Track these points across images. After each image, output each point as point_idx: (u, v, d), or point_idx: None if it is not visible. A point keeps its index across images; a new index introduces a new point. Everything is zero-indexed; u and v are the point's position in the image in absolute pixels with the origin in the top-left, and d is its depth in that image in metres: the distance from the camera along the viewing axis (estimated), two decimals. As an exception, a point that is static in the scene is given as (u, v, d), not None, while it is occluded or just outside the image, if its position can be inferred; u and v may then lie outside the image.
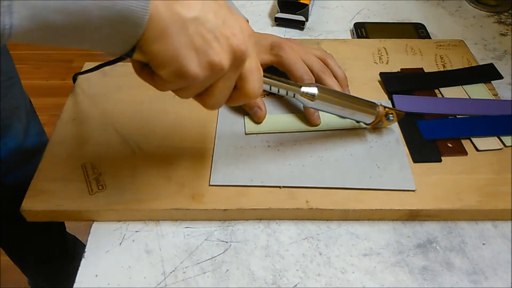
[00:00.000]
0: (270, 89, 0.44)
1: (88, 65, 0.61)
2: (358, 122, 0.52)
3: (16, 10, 0.24)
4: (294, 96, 0.46)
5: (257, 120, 0.52)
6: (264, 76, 0.41)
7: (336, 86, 0.53)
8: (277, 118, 0.53)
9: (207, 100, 0.36)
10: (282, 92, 0.45)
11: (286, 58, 0.52)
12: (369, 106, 0.49)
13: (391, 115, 0.50)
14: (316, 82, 0.53)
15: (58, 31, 0.27)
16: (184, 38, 0.31)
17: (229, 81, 0.36)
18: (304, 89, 0.46)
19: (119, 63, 0.59)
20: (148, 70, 0.34)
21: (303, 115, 0.53)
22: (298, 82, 0.47)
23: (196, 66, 0.32)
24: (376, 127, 0.52)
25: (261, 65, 0.53)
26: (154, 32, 0.29)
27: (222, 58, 0.33)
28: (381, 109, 0.50)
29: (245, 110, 0.53)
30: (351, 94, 0.53)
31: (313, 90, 0.46)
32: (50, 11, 0.26)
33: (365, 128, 0.52)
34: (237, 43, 0.33)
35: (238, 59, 0.34)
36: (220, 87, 0.35)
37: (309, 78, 0.52)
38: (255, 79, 0.37)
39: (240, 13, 0.59)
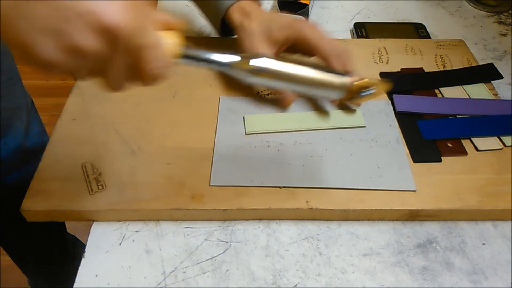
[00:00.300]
0: (196, 62, 0.36)
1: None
2: (322, 97, 0.45)
3: None
4: (231, 70, 0.38)
5: (281, 107, 0.51)
6: (186, 48, 0.35)
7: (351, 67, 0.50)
8: (277, 118, 0.53)
9: (104, 83, 0.32)
10: (215, 67, 0.37)
11: (311, 33, 0.50)
12: (333, 77, 0.42)
13: (366, 90, 0.42)
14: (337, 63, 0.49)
15: None
16: (29, 21, 0.26)
17: (119, 63, 0.30)
18: (252, 61, 0.37)
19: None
20: None
21: (304, 114, 0.53)
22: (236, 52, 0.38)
23: (52, 52, 0.27)
24: (352, 103, 0.46)
25: (285, 41, 0.51)
26: None
27: (88, 39, 0.27)
28: (347, 80, 0.41)
29: (246, 110, 0.53)
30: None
31: (247, 61, 0.38)
32: None
33: (365, 126, 0.52)
34: (109, 18, 0.27)
35: (115, 38, 0.28)
36: (111, 69, 0.30)
37: (336, 52, 0.49)
38: (152, 58, 0.31)
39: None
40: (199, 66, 0.36)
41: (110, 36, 0.28)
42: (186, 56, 0.35)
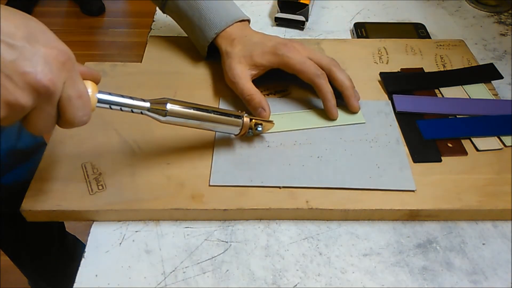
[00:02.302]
0: (111, 108, 0.40)
1: (87, 66, 0.61)
2: (226, 134, 0.50)
3: None
4: (141, 113, 0.42)
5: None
6: (101, 93, 0.39)
7: (346, 80, 0.53)
8: (278, 118, 0.53)
9: (29, 129, 0.35)
10: (126, 109, 0.41)
11: (293, 59, 0.52)
12: (232, 117, 0.47)
13: (259, 126, 0.49)
14: (327, 76, 0.52)
15: None
16: None
17: (44, 113, 0.34)
18: (153, 105, 0.42)
19: (119, 63, 0.60)
20: None
21: (304, 114, 0.54)
22: (145, 98, 0.42)
23: None
24: (246, 136, 0.50)
25: (266, 66, 0.53)
26: None
27: (20, 96, 0.31)
28: (246, 120, 0.48)
29: (246, 110, 0.53)
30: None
31: (164, 105, 0.42)
32: None
33: (366, 125, 0.52)
34: (37, 78, 0.31)
35: (43, 94, 0.32)
36: (35, 118, 0.33)
37: (321, 73, 0.51)
38: (74, 108, 0.35)
39: (240, 11, 0.59)
40: (114, 109, 0.40)
41: (38, 92, 0.31)
42: (101, 101, 0.39)
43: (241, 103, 0.54)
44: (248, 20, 0.59)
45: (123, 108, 0.41)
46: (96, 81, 0.39)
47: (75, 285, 0.41)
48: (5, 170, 0.68)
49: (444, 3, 0.78)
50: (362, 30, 0.69)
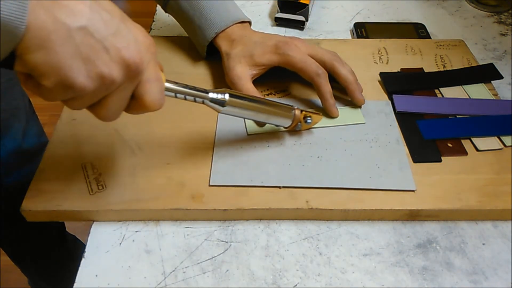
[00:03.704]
0: (176, 96, 0.41)
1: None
2: (277, 126, 0.51)
3: None
4: (203, 103, 0.43)
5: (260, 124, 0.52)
6: (168, 82, 0.40)
7: (349, 74, 0.53)
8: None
9: (100, 111, 0.35)
10: (190, 98, 0.42)
11: (294, 57, 0.52)
12: (285, 110, 0.48)
13: (309, 118, 0.49)
14: (330, 72, 0.53)
15: None
16: (69, 48, 0.29)
17: (124, 93, 0.34)
18: (212, 95, 0.43)
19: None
20: (34, 81, 0.32)
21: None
22: (207, 88, 0.44)
23: (84, 77, 0.30)
24: (294, 130, 0.51)
25: (267, 65, 0.54)
26: (33, 41, 0.28)
27: (113, 69, 0.32)
28: (297, 112, 0.49)
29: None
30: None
31: (223, 96, 0.43)
32: None
33: (366, 125, 0.52)
34: (130, 54, 0.32)
35: (132, 71, 0.33)
36: (114, 99, 0.34)
37: (322, 72, 0.51)
38: (153, 90, 0.36)
39: (241, 12, 0.59)
40: (179, 97, 0.41)
41: (128, 68, 0.33)
42: (169, 89, 0.40)
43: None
44: (249, 22, 0.59)
45: (187, 97, 0.42)
46: (162, 70, 0.39)
47: (75, 285, 0.41)
48: (10, 170, 0.68)
49: (444, 3, 0.78)
50: (362, 30, 0.69)
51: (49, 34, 0.28)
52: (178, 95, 0.41)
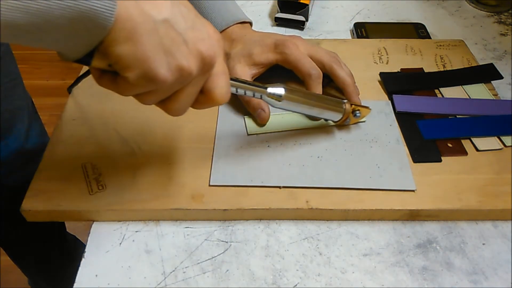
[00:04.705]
0: (237, 91, 0.42)
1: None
2: (326, 120, 0.52)
3: None
4: (261, 98, 0.45)
5: (261, 122, 0.52)
6: (230, 79, 0.40)
7: (347, 77, 0.53)
8: (279, 118, 0.53)
9: (171, 105, 0.35)
10: (249, 94, 0.44)
11: (290, 55, 0.52)
12: (336, 104, 0.49)
13: (357, 112, 0.50)
14: (328, 73, 0.53)
15: (18, 29, 0.26)
16: (153, 39, 0.30)
17: (196, 86, 0.35)
18: (270, 90, 0.44)
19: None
20: (109, 76, 0.32)
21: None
22: (266, 84, 0.45)
23: (165, 69, 0.31)
24: (343, 124, 0.52)
25: (266, 64, 0.54)
26: (122, 33, 0.28)
27: (191, 62, 0.32)
28: (347, 106, 0.50)
29: (246, 110, 0.53)
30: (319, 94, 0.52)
31: (280, 91, 0.45)
32: (12, 10, 0.25)
33: (365, 125, 0.52)
34: (206, 47, 0.33)
35: (206, 64, 0.34)
36: (187, 92, 0.34)
37: (316, 72, 0.51)
38: (222, 84, 0.36)
39: (242, 12, 0.59)
40: (239, 93, 0.43)
41: (205, 63, 0.33)
42: (231, 85, 0.41)
43: (241, 104, 0.54)
44: (250, 23, 0.59)
45: (247, 92, 0.43)
46: None
47: (75, 285, 0.41)
48: (12, 170, 0.68)
49: (444, 3, 0.78)
50: (362, 30, 0.69)
51: (136, 26, 0.29)
52: (239, 90, 0.42)
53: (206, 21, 0.35)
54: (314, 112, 0.49)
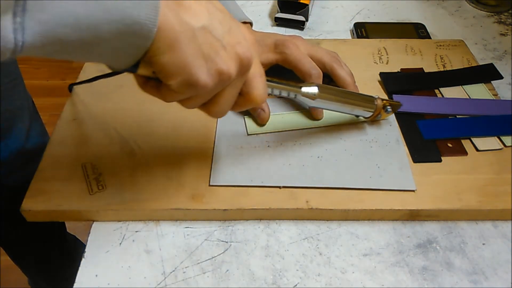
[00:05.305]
0: (272, 92, 0.43)
1: (88, 66, 0.61)
2: (357, 116, 0.52)
3: (28, 27, 0.24)
4: (295, 97, 0.46)
5: (261, 122, 0.52)
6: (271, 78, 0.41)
7: (348, 77, 0.53)
8: (279, 118, 0.53)
9: (213, 108, 0.36)
10: (284, 94, 0.45)
11: (290, 55, 0.52)
12: (368, 100, 0.50)
13: (388, 107, 0.51)
14: (328, 73, 0.53)
15: (67, 45, 0.27)
16: (193, 47, 0.31)
17: (236, 89, 0.36)
18: (304, 89, 0.45)
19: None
20: (153, 83, 0.34)
21: (305, 112, 0.54)
22: (299, 83, 0.47)
23: (206, 75, 0.32)
24: (375, 120, 0.52)
25: (266, 64, 0.54)
26: (164, 42, 0.29)
27: (230, 66, 0.33)
28: (379, 102, 0.50)
29: (246, 110, 0.53)
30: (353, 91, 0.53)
31: (314, 89, 0.46)
32: (61, 27, 0.25)
33: (365, 125, 0.52)
34: (243, 50, 0.34)
35: (244, 67, 0.34)
36: (227, 94, 0.35)
37: (316, 72, 0.51)
38: (259, 85, 0.37)
39: (242, 13, 0.59)
40: (274, 94, 0.44)
41: (241, 64, 0.34)
42: (268, 85, 0.42)
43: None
44: (251, 23, 0.59)
45: (282, 92, 0.44)
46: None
47: (75, 285, 0.41)
48: (13, 170, 0.68)
49: (444, 3, 0.78)
50: (362, 30, 0.69)
51: (177, 35, 0.29)
52: (274, 90, 0.43)
53: (240, 23, 0.36)
54: (346, 109, 0.49)
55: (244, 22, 0.57)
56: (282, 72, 0.54)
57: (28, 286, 1.10)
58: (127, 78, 0.58)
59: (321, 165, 0.48)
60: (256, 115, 0.52)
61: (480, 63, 0.61)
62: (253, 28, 0.59)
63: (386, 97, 0.56)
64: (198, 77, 0.31)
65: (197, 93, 0.33)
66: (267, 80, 0.41)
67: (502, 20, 0.74)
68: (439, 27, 0.71)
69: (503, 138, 0.51)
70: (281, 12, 0.70)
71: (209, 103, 0.36)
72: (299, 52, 0.52)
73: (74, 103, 0.55)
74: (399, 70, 0.60)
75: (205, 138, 0.51)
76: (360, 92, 0.54)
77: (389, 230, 0.45)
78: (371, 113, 0.50)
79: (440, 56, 0.62)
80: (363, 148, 0.50)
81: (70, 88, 0.56)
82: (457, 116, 0.53)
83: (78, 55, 0.29)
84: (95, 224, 0.45)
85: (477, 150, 0.50)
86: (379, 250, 0.43)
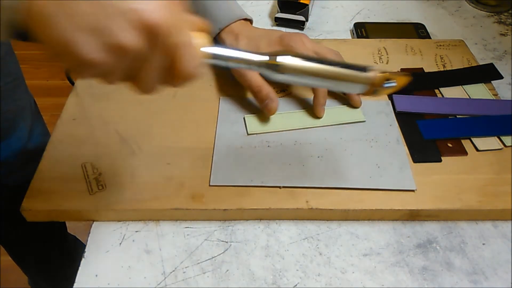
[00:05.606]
0: (216, 64, 0.36)
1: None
2: (344, 94, 0.48)
3: None
4: (259, 70, 0.38)
5: (269, 113, 0.51)
6: (209, 47, 0.34)
7: None
8: (277, 117, 0.53)
9: (138, 86, 0.32)
10: (232, 65, 0.37)
11: (296, 49, 0.52)
12: (359, 72, 0.40)
13: (388, 82, 0.41)
14: None
15: None
16: (74, 20, 0.26)
17: (155, 63, 0.30)
18: (258, 57, 0.37)
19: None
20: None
21: (305, 112, 0.54)
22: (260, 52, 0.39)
23: (95, 51, 0.27)
24: (372, 95, 0.43)
25: None
26: (35, 16, 0.26)
27: (129, 37, 0.27)
28: (371, 74, 0.40)
29: (246, 110, 0.53)
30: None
31: (274, 59, 0.37)
32: None
33: (365, 125, 0.52)
34: (149, 15, 0.28)
35: (154, 35, 0.28)
36: (147, 69, 0.30)
37: None
38: (186, 56, 0.31)
39: (243, 11, 0.59)
40: (226, 65, 0.36)
41: (150, 33, 0.28)
42: (215, 56, 0.35)
43: (241, 104, 0.54)
44: (251, 21, 0.59)
45: (229, 64, 0.36)
46: (207, 32, 0.35)
47: (75, 285, 0.41)
48: (14, 170, 0.68)
49: (444, 3, 0.78)
50: (362, 30, 0.69)
51: (49, 8, 0.26)
52: (229, 63, 0.36)
53: None
54: (326, 85, 0.41)
55: (245, 19, 0.58)
56: None
57: (28, 286, 1.10)
58: (127, 78, 0.58)
59: (321, 165, 0.48)
60: (263, 106, 0.51)
61: (480, 63, 0.61)
62: (253, 28, 0.59)
63: (386, 97, 0.56)
64: (84, 55, 0.27)
65: (99, 72, 0.28)
66: (209, 48, 0.35)
67: (502, 20, 0.74)
68: (439, 27, 0.71)
69: (503, 138, 0.51)
70: (281, 12, 0.70)
71: (134, 80, 0.31)
72: (305, 47, 0.53)
73: (74, 103, 0.55)
74: (399, 70, 0.60)
75: (205, 138, 0.51)
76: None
77: (389, 230, 0.45)
78: (363, 89, 0.41)
79: (440, 56, 0.62)
80: (363, 148, 0.50)
81: (68, 76, 0.56)
82: (457, 116, 0.53)
83: None
84: (95, 224, 0.45)
85: (477, 150, 0.50)
86: (379, 250, 0.43)
